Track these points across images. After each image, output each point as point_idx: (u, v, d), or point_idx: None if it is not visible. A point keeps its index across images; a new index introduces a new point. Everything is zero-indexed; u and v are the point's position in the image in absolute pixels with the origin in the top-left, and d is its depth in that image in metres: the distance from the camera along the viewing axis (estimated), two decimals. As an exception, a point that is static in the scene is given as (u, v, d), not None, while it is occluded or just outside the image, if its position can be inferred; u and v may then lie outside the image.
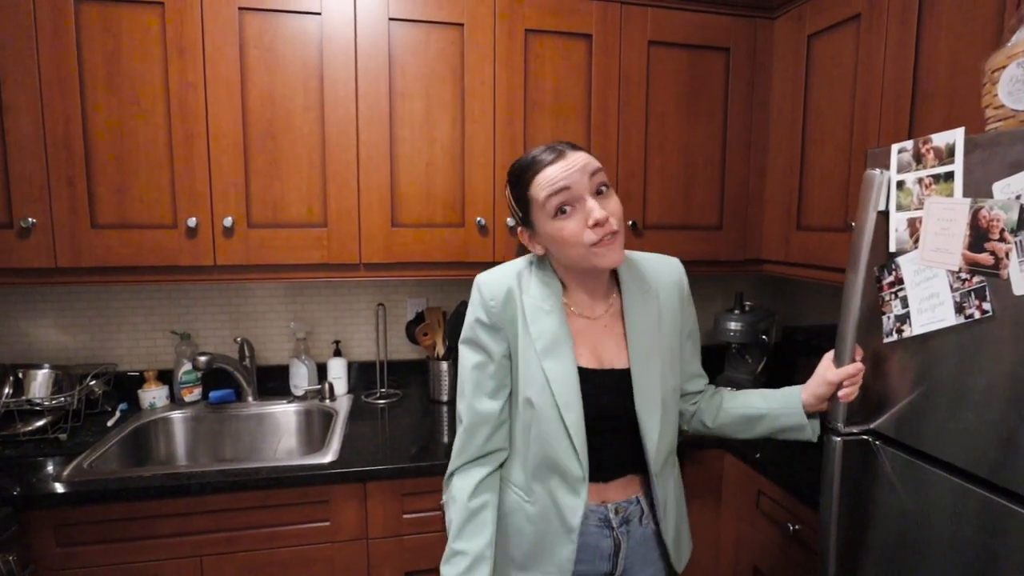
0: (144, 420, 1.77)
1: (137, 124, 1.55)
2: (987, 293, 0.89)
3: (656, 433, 1.07)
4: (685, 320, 1.19)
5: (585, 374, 1.06)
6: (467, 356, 1.11)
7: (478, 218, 1.73)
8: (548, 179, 0.98)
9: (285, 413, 1.90)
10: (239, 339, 1.93)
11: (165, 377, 1.91)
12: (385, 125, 1.66)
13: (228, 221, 1.59)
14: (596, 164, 1.00)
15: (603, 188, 1.00)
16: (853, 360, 1.08)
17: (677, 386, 1.15)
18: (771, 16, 1.83)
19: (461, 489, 1.07)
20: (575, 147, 1.02)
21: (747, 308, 1.91)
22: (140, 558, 1.40)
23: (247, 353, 1.93)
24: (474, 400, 1.09)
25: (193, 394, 1.89)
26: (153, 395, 1.84)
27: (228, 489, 1.40)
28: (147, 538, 1.40)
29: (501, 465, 1.13)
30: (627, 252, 1.16)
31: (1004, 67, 0.97)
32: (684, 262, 1.85)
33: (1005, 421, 0.87)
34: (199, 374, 1.90)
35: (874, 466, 1.09)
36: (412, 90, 1.67)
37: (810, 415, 1.13)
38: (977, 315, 0.91)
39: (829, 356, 1.12)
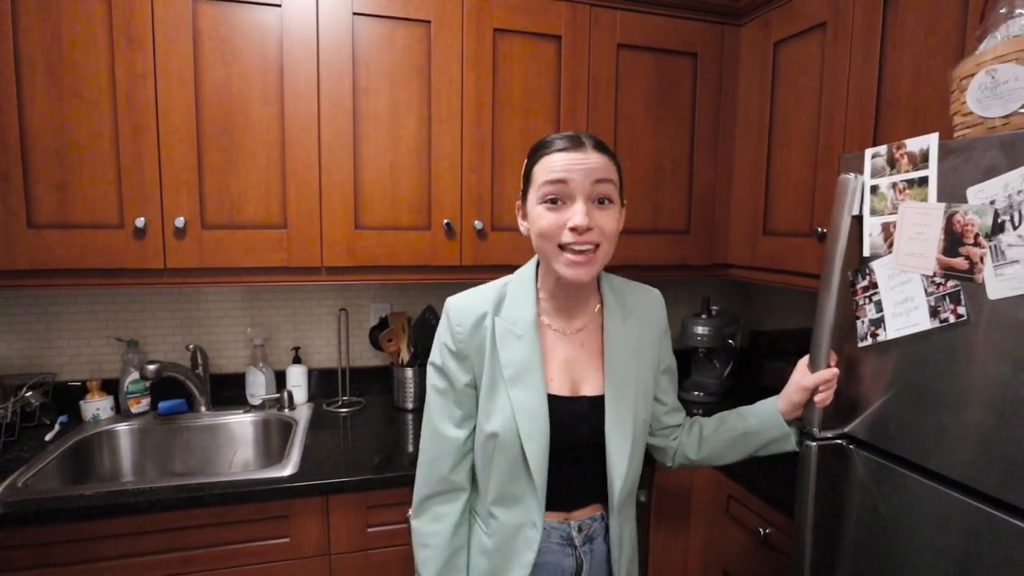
0: (87, 433, 1.66)
1: (80, 117, 1.45)
2: (962, 297, 0.90)
3: (624, 465, 1.04)
4: (663, 354, 1.17)
5: (556, 402, 1.02)
6: (433, 380, 1.07)
7: (445, 221, 1.68)
8: (550, 164, 0.96)
9: (241, 423, 1.81)
10: (191, 346, 1.83)
11: (110, 387, 1.79)
12: (348, 123, 1.60)
13: (180, 221, 1.51)
14: (608, 174, 0.96)
15: (605, 201, 0.97)
16: (828, 365, 1.09)
17: (647, 419, 1.12)
18: (738, 23, 1.85)
19: (437, 534, 1.04)
20: (601, 147, 0.98)
21: (714, 313, 1.92)
22: (84, 583, 1.30)
23: (200, 361, 1.83)
24: (438, 426, 1.05)
25: (141, 404, 1.79)
26: (97, 406, 1.73)
27: (181, 506, 1.32)
28: (92, 561, 1.30)
29: (468, 502, 1.09)
30: (612, 277, 1.15)
31: (973, 75, 0.98)
32: (652, 267, 1.88)
33: (980, 425, 0.88)
34: (147, 383, 1.79)
35: (849, 470, 1.09)
36: (377, 87, 1.62)
37: (788, 423, 1.12)
38: (952, 319, 0.92)
39: (803, 362, 1.13)
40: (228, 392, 1.92)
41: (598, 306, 1.10)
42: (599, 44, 1.75)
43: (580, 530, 1.06)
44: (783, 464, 1.49)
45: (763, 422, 1.13)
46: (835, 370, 1.08)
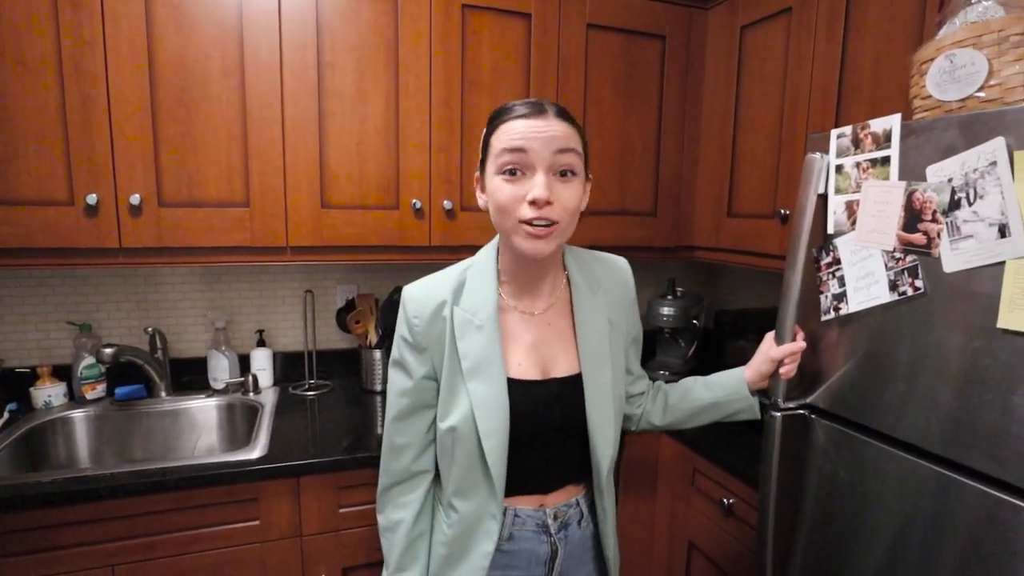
0: (39, 421, 1.59)
1: (24, 85, 1.36)
2: (919, 271, 0.94)
3: (609, 444, 1.03)
4: (632, 323, 1.15)
5: (526, 387, 0.99)
6: (392, 376, 1.05)
7: (413, 200, 1.66)
8: (509, 132, 0.90)
9: (204, 408, 1.76)
10: (150, 329, 1.76)
11: (62, 373, 1.72)
12: (313, 98, 1.56)
13: (136, 199, 1.44)
14: (571, 144, 0.91)
15: (568, 173, 0.91)
16: (794, 339, 1.12)
17: (623, 394, 1.11)
18: (705, 6, 1.87)
19: (400, 523, 1.04)
20: (564, 115, 0.93)
21: (679, 294, 1.96)
22: (42, 572, 1.25)
23: (159, 344, 1.77)
24: (398, 420, 1.04)
25: (96, 391, 1.72)
26: (48, 393, 1.65)
27: (143, 491, 1.28)
28: (49, 550, 1.25)
29: (430, 488, 1.08)
30: (575, 249, 1.11)
31: (932, 59, 1.02)
32: (618, 248, 1.89)
33: (935, 392, 0.92)
34: (103, 368, 1.73)
35: (810, 439, 1.14)
36: (343, 62, 1.58)
37: (752, 393, 1.16)
38: (910, 292, 0.96)
39: (771, 336, 1.16)
40: (189, 377, 1.87)
41: (564, 283, 1.07)
42: (569, 23, 1.74)
43: (555, 517, 1.05)
44: (746, 437, 1.55)
45: (729, 393, 1.15)
46: (802, 343, 1.11)
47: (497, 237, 1.04)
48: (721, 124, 1.82)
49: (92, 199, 1.41)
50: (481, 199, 1.00)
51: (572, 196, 0.92)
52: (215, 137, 1.51)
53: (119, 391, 1.71)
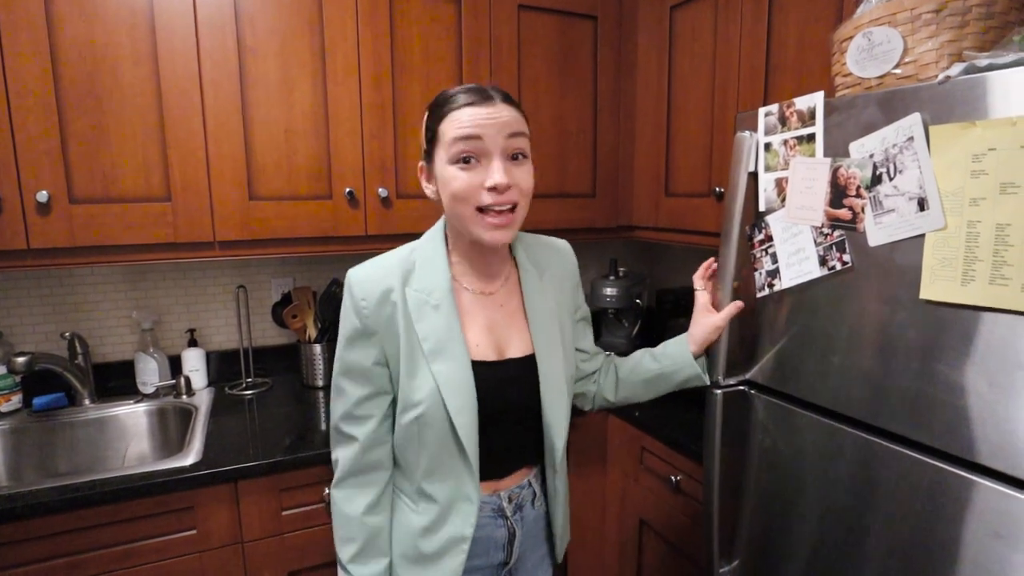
0: (-54, 438, 1.47)
1: (-94, 76, 1.25)
2: (847, 246, 0.97)
3: (563, 423, 1.04)
4: (578, 303, 1.17)
5: (484, 368, 0.98)
6: (340, 363, 1.00)
7: (347, 189, 1.61)
8: (460, 120, 0.89)
9: (133, 414, 1.67)
10: (67, 334, 1.66)
11: (-29, 385, 1.60)
12: (235, 85, 1.48)
13: (43, 196, 1.35)
14: (520, 127, 0.92)
15: (519, 156, 0.92)
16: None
17: (573, 374, 1.12)
18: (635, -14, 1.86)
19: (354, 504, 1.00)
20: (509, 100, 0.93)
21: (621, 274, 1.97)
22: (-47, 602, 1.17)
23: (79, 350, 1.66)
24: (349, 409, 1.00)
25: (12, 402, 1.61)
26: (-44, 407, 1.54)
27: (67, 507, 1.21)
28: (-40, 578, 1.17)
29: (388, 483, 1.04)
30: (521, 234, 1.11)
31: (851, 38, 1.04)
32: (561, 231, 1.89)
33: (866, 363, 0.95)
34: (17, 378, 1.61)
35: (750, 413, 1.16)
36: (265, 47, 1.50)
37: (697, 359, 1.16)
38: (839, 267, 0.98)
39: (703, 305, 1.16)
40: (115, 382, 1.77)
41: (512, 265, 1.07)
42: (500, 4, 1.71)
43: (510, 500, 1.05)
44: (692, 414, 1.58)
45: (676, 363, 1.15)
46: (740, 303, 1.12)
47: (442, 220, 1.03)
48: (655, 104, 1.83)
49: (-7, 198, 1.31)
50: (429, 189, 0.99)
51: (527, 177, 0.94)
52: (130, 129, 1.42)
53: (37, 401, 1.60)
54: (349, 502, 1.01)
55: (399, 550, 1.03)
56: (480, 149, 0.89)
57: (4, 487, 1.23)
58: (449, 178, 0.91)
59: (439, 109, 0.93)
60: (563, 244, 1.16)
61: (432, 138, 0.94)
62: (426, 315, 0.96)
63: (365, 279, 0.97)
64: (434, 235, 1.03)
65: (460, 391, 0.95)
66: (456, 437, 0.95)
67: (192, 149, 1.47)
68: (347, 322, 0.98)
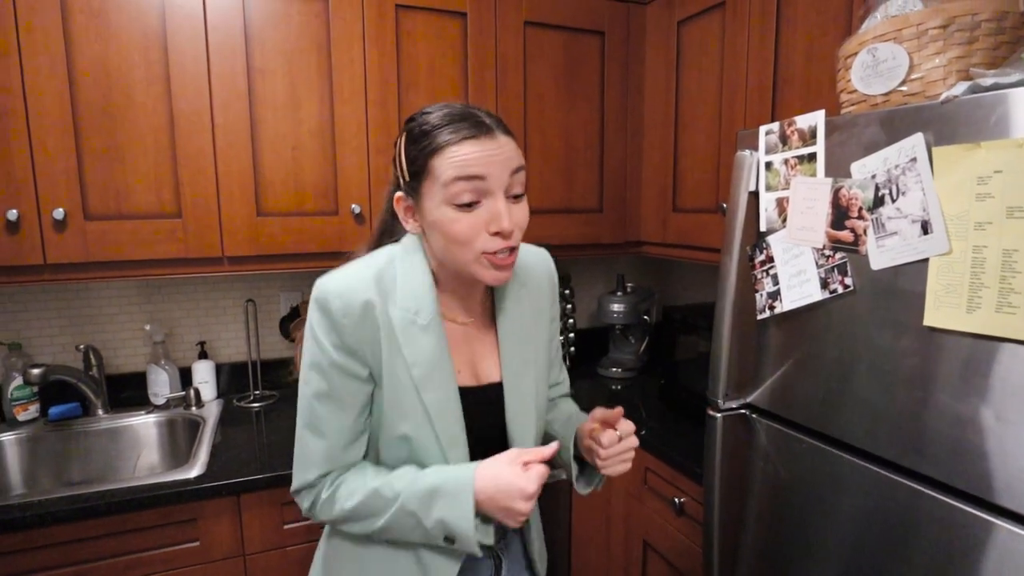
0: (-35, 447, 1.52)
1: (-70, 99, 1.30)
2: (848, 269, 0.95)
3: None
4: (554, 314, 1.09)
5: (466, 394, 0.92)
6: (311, 385, 0.88)
7: (353, 205, 1.63)
8: (463, 158, 0.80)
9: (144, 425, 1.70)
10: (82, 346, 1.70)
11: (-9, 395, 1.65)
12: (244, 104, 1.51)
13: (59, 213, 1.39)
14: (521, 161, 0.85)
15: (519, 193, 0.85)
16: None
17: (547, 397, 1.06)
18: (643, 1, 1.86)
19: (345, 480, 0.89)
20: (505, 128, 0.85)
21: (628, 289, 1.96)
22: (-36, 608, 1.20)
23: (94, 361, 1.70)
24: (326, 440, 0.88)
25: (28, 411, 1.65)
26: (-24, 417, 1.59)
27: (74, 518, 1.23)
28: (-30, 585, 1.20)
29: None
30: None
31: (856, 54, 1.02)
32: (567, 246, 1.88)
33: (866, 390, 0.93)
34: (34, 389, 1.66)
35: (751, 437, 1.14)
36: (273, 67, 1.53)
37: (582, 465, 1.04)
38: (840, 290, 0.96)
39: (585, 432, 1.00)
40: (128, 393, 1.81)
41: (486, 290, 0.99)
42: (505, 21, 1.72)
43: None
44: (695, 436, 1.55)
45: (564, 455, 1.02)
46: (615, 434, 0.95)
47: (418, 240, 0.93)
48: (663, 119, 1.82)
49: (12, 215, 1.35)
50: (412, 226, 0.89)
51: (525, 216, 0.86)
52: (142, 147, 1.46)
53: (53, 411, 1.65)
54: (340, 484, 0.90)
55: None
56: (483, 189, 0.81)
57: (15, 496, 1.26)
58: (447, 221, 0.82)
59: (427, 140, 0.83)
60: (540, 250, 1.09)
61: (420, 172, 0.84)
62: (414, 337, 0.87)
63: (345, 292, 0.86)
64: (412, 255, 0.92)
65: (451, 423, 0.89)
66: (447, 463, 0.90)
67: (202, 167, 1.50)
68: (323, 341, 0.86)
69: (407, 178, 0.86)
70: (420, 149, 0.83)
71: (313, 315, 0.88)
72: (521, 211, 0.86)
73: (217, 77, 1.48)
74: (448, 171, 0.80)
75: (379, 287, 0.87)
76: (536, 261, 1.06)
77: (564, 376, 1.18)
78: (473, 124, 0.82)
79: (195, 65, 1.46)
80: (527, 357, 0.99)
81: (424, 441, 0.88)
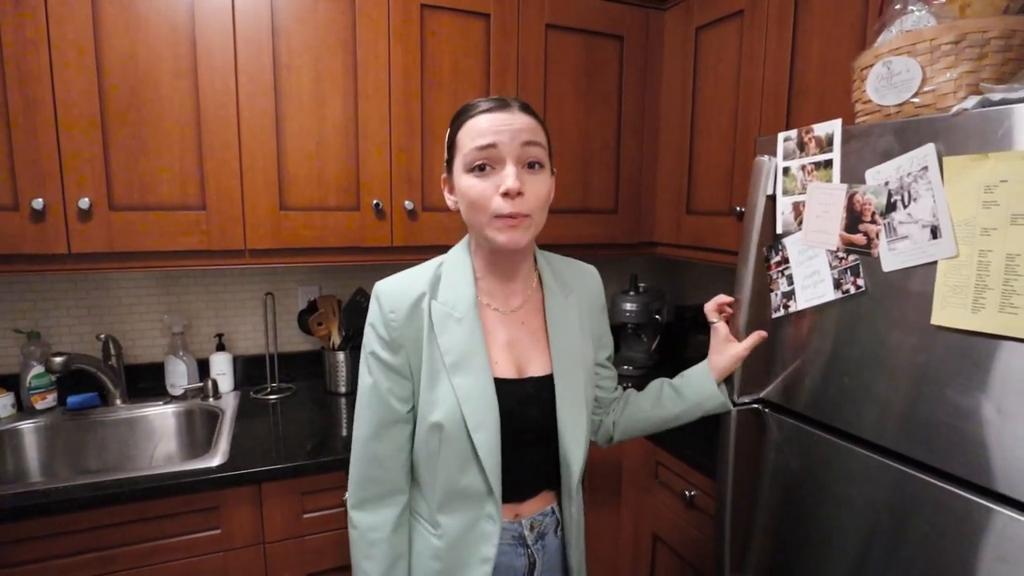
0: (-15, 433, 1.53)
1: (-38, 87, 1.31)
2: (861, 270, 0.98)
3: (580, 448, 1.01)
4: (603, 331, 1.15)
5: (503, 385, 0.96)
6: (365, 376, 0.99)
7: (374, 201, 1.65)
8: (477, 128, 0.89)
9: (162, 415, 1.72)
10: (102, 336, 1.72)
11: (10, 383, 1.66)
12: (270, 99, 1.54)
13: (85, 203, 1.40)
14: (536, 137, 0.91)
15: (535, 165, 0.91)
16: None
17: (592, 398, 1.10)
18: (662, 7, 1.90)
19: (374, 528, 0.97)
20: (528, 110, 0.93)
21: (641, 289, 1.99)
22: (-9, 591, 1.22)
23: (113, 351, 1.72)
24: (376, 428, 0.97)
25: (47, 400, 1.67)
26: (-5, 404, 1.60)
27: (98, 504, 1.25)
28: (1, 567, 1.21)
29: (406, 507, 1.02)
30: (548, 254, 1.11)
31: (871, 65, 1.06)
32: (582, 245, 1.92)
33: (877, 385, 0.96)
34: (54, 377, 1.67)
35: (764, 432, 1.18)
36: (299, 63, 1.56)
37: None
38: (852, 290, 1.00)
39: (723, 335, 1.16)
40: (146, 383, 1.82)
41: (536, 282, 1.05)
42: (528, 24, 1.75)
43: (532, 528, 1.03)
44: (706, 430, 1.58)
45: (702, 395, 1.13)
46: (763, 333, 1.12)
47: (468, 237, 1.03)
48: (679, 123, 1.86)
49: (38, 204, 1.37)
50: (450, 200, 0.99)
51: (542, 187, 0.93)
52: (168, 139, 1.48)
53: (71, 400, 1.66)
54: (373, 518, 0.99)
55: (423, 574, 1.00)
56: (494, 156, 0.89)
57: (38, 482, 1.28)
58: (466, 187, 0.91)
59: (459, 118, 0.94)
60: (591, 268, 1.15)
61: (452, 147, 0.95)
62: (449, 327, 0.95)
63: (395, 291, 0.96)
64: (460, 250, 1.03)
65: (481, 406, 0.93)
66: (476, 454, 0.93)
67: (226, 160, 1.52)
68: (373, 336, 0.97)
69: (447, 156, 0.97)
70: (454, 128, 0.95)
71: (371, 309, 0.99)
72: (536, 182, 0.91)
73: (244, 72, 1.51)
74: (466, 141, 0.91)
75: (431, 283, 0.97)
76: (586, 276, 1.13)
77: (620, 391, 1.24)
78: (494, 101, 0.92)
79: (222, 59, 1.49)
80: (575, 354, 1.03)
81: (453, 426, 0.93)
